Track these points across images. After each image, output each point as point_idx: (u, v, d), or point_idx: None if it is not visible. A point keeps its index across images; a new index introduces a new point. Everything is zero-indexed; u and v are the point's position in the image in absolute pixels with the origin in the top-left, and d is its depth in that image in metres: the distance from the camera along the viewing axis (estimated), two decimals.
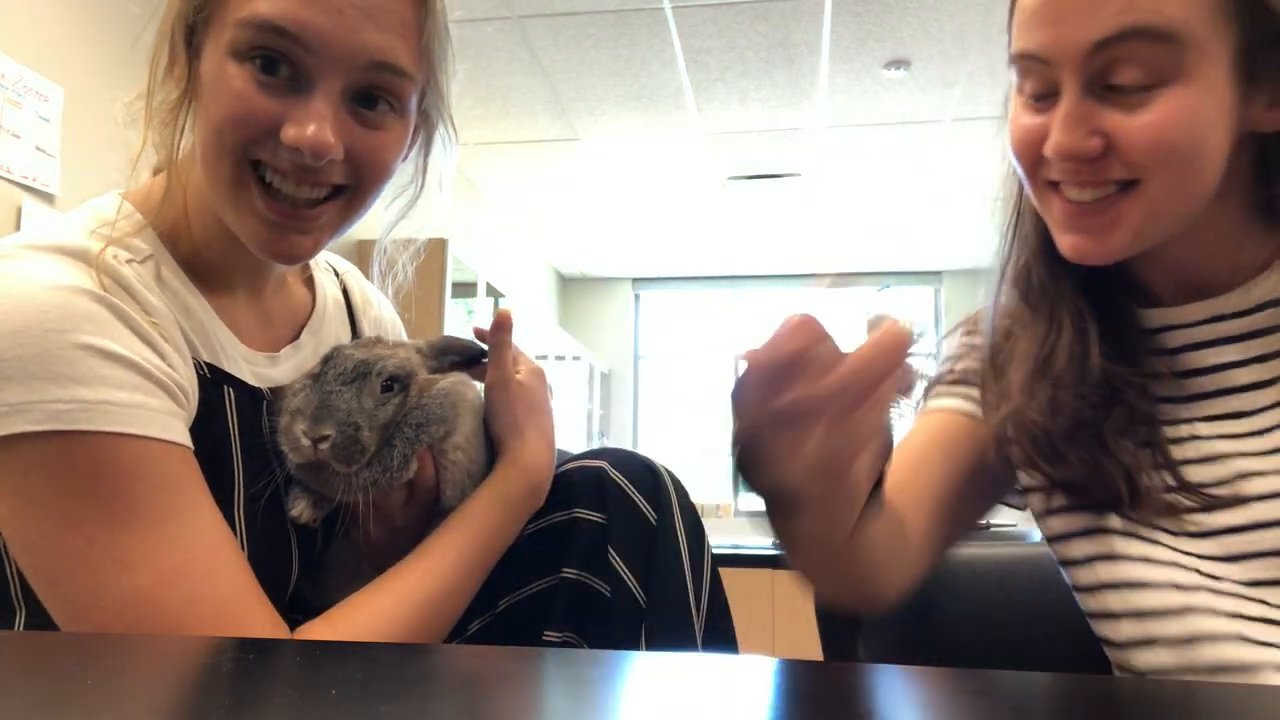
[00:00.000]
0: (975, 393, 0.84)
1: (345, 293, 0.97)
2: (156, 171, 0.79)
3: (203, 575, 0.65)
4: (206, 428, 0.72)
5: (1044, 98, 0.70)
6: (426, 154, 0.84)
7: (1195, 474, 0.72)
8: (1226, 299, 0.74)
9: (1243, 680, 0.66)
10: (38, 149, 2.31)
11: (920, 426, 0.87)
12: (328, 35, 0.67)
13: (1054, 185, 0.72)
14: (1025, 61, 0.70)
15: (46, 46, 2.37)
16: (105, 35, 2.53)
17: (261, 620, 0.68)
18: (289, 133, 0.68)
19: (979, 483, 0.83)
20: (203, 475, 0.69)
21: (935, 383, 0.89)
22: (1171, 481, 0.72)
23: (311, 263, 0.93)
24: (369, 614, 0.72)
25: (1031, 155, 0.72)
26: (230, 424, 0.75)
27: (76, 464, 0.63)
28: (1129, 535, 0.74)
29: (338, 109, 0.70)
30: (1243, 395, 0.73)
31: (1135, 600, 0.72)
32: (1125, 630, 0.73)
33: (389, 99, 0.73)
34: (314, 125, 0.68)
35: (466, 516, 0.79)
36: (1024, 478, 0.81)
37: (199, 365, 0.74)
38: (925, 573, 0.80)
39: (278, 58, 0.68)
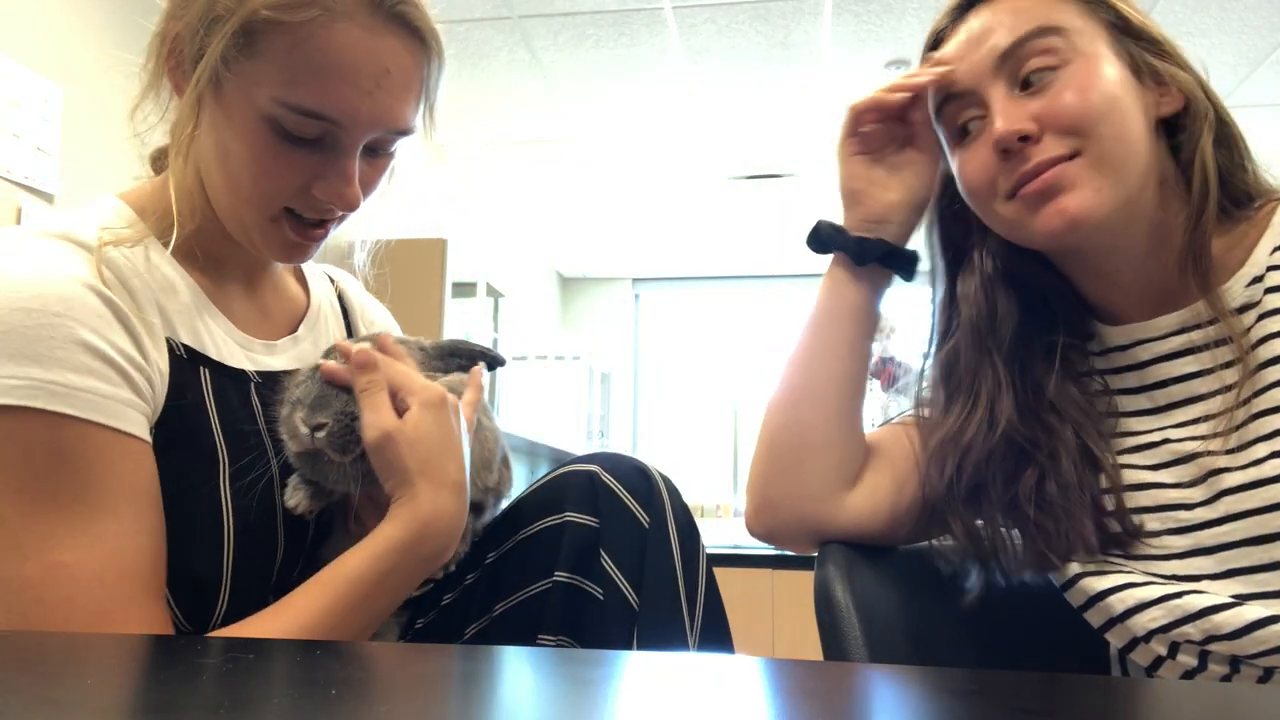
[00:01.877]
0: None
1: (341, 298, 1.00)
2: (158, 165, 0.82)
3: (89, 578, 0.64)
4: (181, 408, 0.73)
5: (975, 122, 0.80)
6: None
7: (1168, 475, 0.75)
8: (1194, 309, 0.77)
9: (1228, 617, 0.67)
10: (38, 149, 2.31)
11: (882, 428, 0.94)
12: (360, 116, 0.73)
13: (1010, 197, 0.77)
14: (952, 105, 0.81)
15: (46, 46, 2.37)
16: (105, 35, 2.53)
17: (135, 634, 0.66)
18: (322, 189, 0.75)
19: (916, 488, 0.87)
20: (155, 469, 0.70)
21: (915, 405, 0.93)
22: (1117, 527, 0.75)
23: (304, 267, 0.96)
24: None
25: (986, 177, 0.78)
26: (207, 404, 0.76)
27: (13, 440, 0.63)
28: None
29: (358, 162, 0.76)
30: (1210, 400, 0.75)
31: (1110, 600, 0.74)
32: (1115, 606, 0.74)
33: (390, 147, 0.79)
34: (344, 185, 0.75)
35: (337, 570, 0.71)
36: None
37: (175, 346, 0.75)
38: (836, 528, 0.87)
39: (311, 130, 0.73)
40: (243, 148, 0.73)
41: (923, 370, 0.91)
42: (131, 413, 0.68)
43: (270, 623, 0.69)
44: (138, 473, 0.68)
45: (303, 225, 0.78)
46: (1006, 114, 0.76)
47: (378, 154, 0.79)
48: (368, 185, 0.79)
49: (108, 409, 0.66)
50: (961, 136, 0.81)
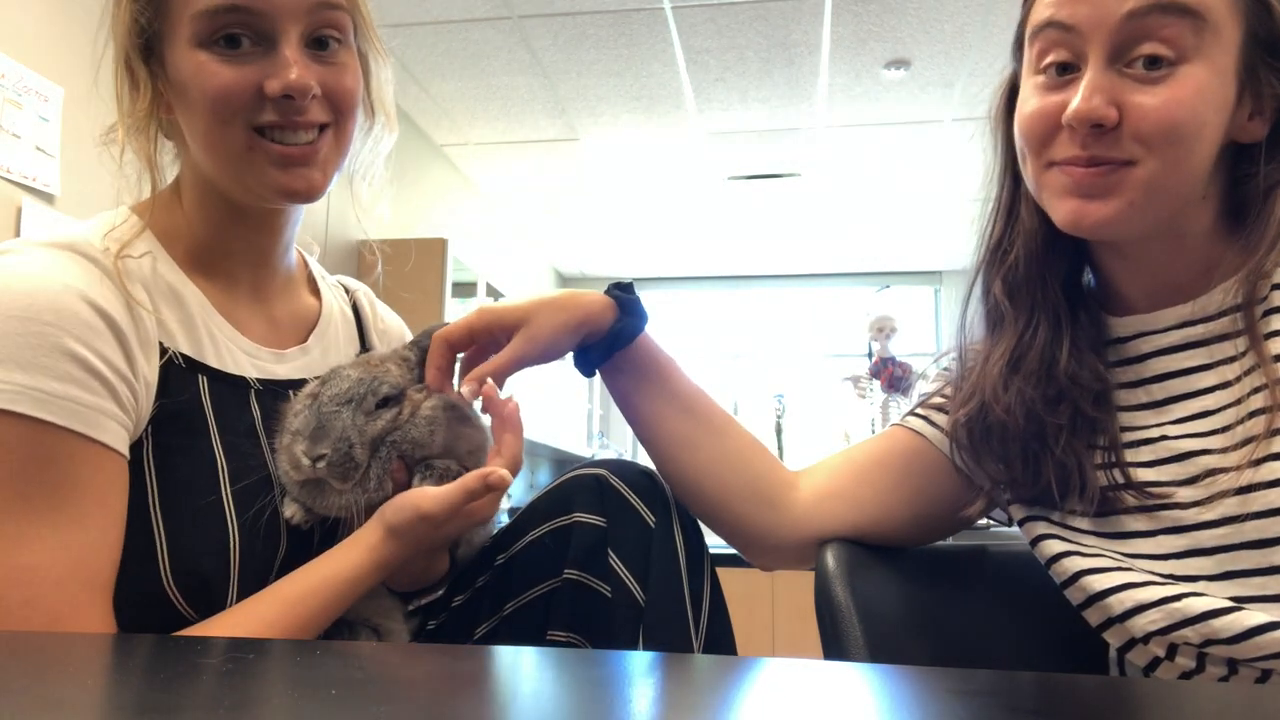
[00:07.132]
0: (943, 418, 0.89)
1: (355, 308, 1.01)
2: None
3: (52, 583, 0.65)
4: (177, 414, 0.75)
5: (1065, 70, 0.73)
6: (368, 84, 0.88)
7: (1165, 473, 0.75)
8: (1196, 304, 0.76)
9: (1227, 622, 0.67)
10: (38, 149, 2.30)
11: (881, 434, 0.94)
12: None
13: (1051, 165, 0.75)
14: (1051, 31, 0.73)
15: (46, 46, 2.37)
16: (105, 35, 2.53)
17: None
18: (271, 86, 0.75)
19: (912, 500, 0.89)
20: (126, 484, 0.71)
21: (921, 404, 0.94)
22: (1119, 479, 0.75)
23: (318, 277, 0.98)
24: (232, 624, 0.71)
25: (1045, 131, 0.75)
26: (205, 411, 0.77)
27: None
28: (1079, 541, 0.77)
29: (301, 54, 0.77)
30: (1208, 396, 0.75)
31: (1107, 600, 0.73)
32: (1113, 607, 0.74)
33: (334, 35, 0.80)
34: (286, 71, 0.76)
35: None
36: (970, 485, 0.86)
37: (175, 355, 0.76)
38: (810, 535, 0.90)
39: (238, 33, 0.76)
40: (192, 90, 0.76)
41: (979, 270, 0.88)
42: (111, 424, 0.69)
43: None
44: (109, 485, 0.70)
45: (282, 144, 0.77)
46: (1092, 92, 0.70)
47: (326, 46, 0.79)
48: (331, 81, 0.79)
49: (87, 418, 0.67)
50: (1041, 69, 0.75)
